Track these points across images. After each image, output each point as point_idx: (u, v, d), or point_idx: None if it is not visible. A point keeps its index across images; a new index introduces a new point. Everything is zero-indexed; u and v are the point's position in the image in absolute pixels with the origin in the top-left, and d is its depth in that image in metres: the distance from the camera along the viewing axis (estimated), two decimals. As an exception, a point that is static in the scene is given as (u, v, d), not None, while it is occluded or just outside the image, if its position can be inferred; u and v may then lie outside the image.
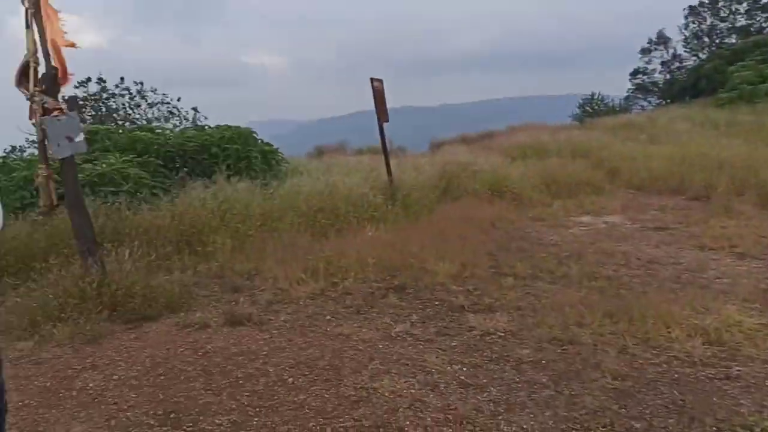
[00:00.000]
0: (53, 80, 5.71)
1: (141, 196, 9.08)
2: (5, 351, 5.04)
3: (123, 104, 15.77)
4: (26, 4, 5.50)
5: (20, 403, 4.17)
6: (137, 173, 9.57)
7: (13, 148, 14.31)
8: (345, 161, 15.88)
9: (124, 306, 5.74)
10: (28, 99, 5.63)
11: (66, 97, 5.89)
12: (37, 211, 6.12)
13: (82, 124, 5.94)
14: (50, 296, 5.60)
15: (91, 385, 4.43)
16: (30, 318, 5.48)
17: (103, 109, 15.11)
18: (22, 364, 4.83)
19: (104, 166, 9.42)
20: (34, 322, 5.43)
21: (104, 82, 15.43)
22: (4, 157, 11.31)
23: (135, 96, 15.77)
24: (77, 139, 5.74)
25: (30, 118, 5.76)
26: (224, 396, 4.14)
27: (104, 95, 14.93)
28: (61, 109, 5.62)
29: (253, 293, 6.34)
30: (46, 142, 5.64)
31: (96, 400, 4.21)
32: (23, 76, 5.63)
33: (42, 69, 5.70)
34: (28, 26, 5.56)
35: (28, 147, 14.71)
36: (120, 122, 15.30)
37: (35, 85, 5.58)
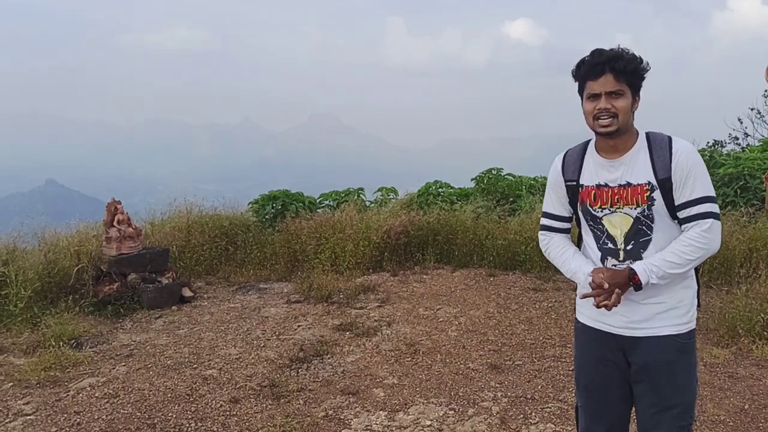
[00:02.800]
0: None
1: None
2: (701, 351, 4.88)
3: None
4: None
5: (715, 417, 3.90)
6: None
7: (716, 142, 14.27)
8: None
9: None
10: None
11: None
12: (763, 213, 5.65)
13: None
14: (753, 308, 5.15)
15: (797, 426, 3.82)
16: (728, 326, 5.16)
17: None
18: (717, 373, 4.56)
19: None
20: (733, 332, 5.09)
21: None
22: (710, 150, 11.27)
23: None
24: (823, 142, 5.00)
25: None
26: None
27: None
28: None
29: None
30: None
31: (804, 449, 3.59)
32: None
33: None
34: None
35: (729, 142, 14.45)
36: None
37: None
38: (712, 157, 9.95)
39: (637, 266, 2.26)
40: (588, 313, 2.47)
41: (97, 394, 4.26)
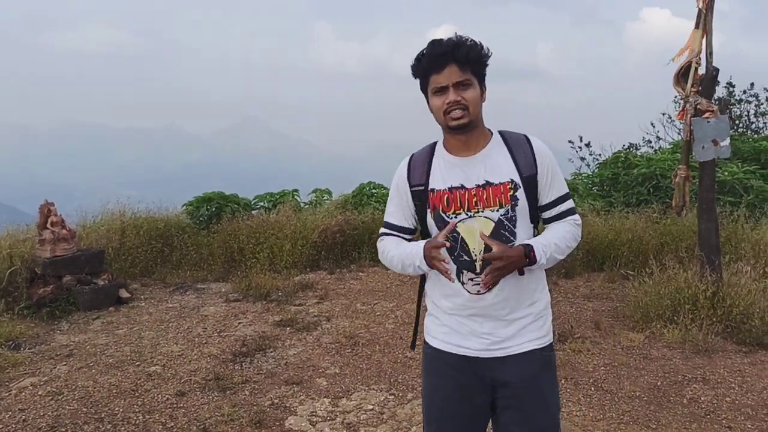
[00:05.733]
0: (711, 82, 5.59)
1: (762, 211, 8.36)
2: (620, 336, 5.30)
3: (747, 111, 14.84)
4: (700, 5, 5.47)
5: (632, 393, 4.28)
6: (760, 186, 8.83)
7: (631, 144, 15.14)
8: None
9: (739, 325, 5.33)
10: (682, 99, 5.65)
11: (718, 100, 5.70)
12: (672, 210, 6.13)
13: (730, 129, 5.66)
14: (663, 296, 5.61)
15: (702, 399, 4.23)
16: (642, 312, 5.61)
17: (728, 115, 14.52)
18: (633, 355, 4.97)
19: (726, 174, 9.01)
20: (647, 318, 5.54)
21: (733, 87, 14.74)
22: (625, 152, 12.00)
23: (763, 103, 14.60)
24: (723, 144, 5.50)
25: (680, 118, 5.80)
26: None
27: (731, 100, 14.31)
28: (712, 110, 5.47)
29: None
30: (691, 143, 5.58)
31: (708, 416, 3.99)
32: (682, 76, 5.67)
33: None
34: (696, 26, 5.54)
35: (643, 145, 15.33)
36: (743, 130, 14.44)
37: (692, 86, 5.55)
38: (627, 158, 10.59)
39: (533, 242, 2.04)
40: (441, 337, 2.19)
41: (40, 393, 4.27)
